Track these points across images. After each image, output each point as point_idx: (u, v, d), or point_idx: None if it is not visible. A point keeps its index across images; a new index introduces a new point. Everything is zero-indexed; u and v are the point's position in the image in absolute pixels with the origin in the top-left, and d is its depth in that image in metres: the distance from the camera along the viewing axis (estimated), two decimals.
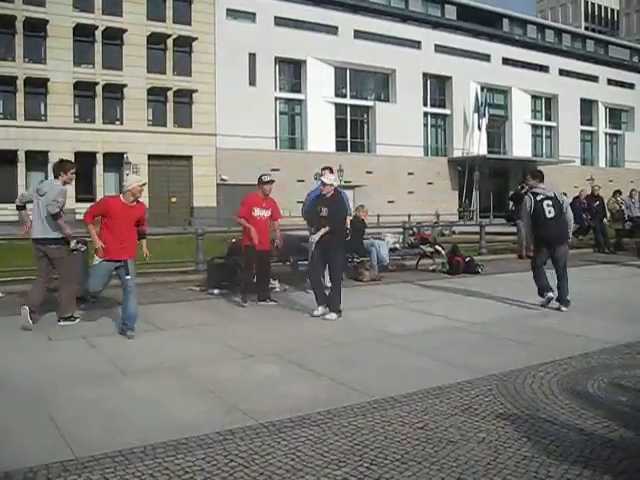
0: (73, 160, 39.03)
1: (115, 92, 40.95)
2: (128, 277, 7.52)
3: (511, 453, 4.03)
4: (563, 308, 9.02)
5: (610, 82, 66.83)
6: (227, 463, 3.86)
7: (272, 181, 9.79)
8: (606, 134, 67.85)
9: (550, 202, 9.11)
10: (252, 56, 45.54)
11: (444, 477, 3.69)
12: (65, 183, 8.38)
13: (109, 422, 4.54)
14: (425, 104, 54.64)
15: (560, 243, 9.22)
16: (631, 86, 68.79)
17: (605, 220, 18.31)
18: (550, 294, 9.15)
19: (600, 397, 5.16)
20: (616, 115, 68.92)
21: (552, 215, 9.05)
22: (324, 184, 8.76)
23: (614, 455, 3.99)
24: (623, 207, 18.47)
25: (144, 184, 7.73)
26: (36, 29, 38.63)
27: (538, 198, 9.17)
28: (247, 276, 9.69)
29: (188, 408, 4.88)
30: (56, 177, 8.40)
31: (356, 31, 50.28)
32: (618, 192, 19.13)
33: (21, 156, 38.43)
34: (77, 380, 5.59)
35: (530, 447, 4.12)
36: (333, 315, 8.38)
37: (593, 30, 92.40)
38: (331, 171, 9.79)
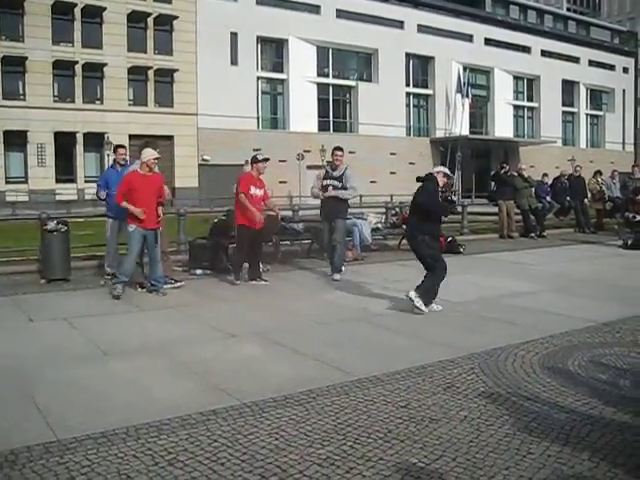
0: (52, 141, 38.65)
1: (95, 71, 40.40)
2: (156, 245, 8.64)
3: (493, 431, 4.07)
4: (336, 276, 9.89)
5: (591, 63, 66.94)
6: (210, 443, 3.86)
7: (267, 159, 9.85)
8: (587, 115, 68.12)
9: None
10: (234, 35, 45.06)
11: (426, 455, 3.72)
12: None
13: (91, 403, 4.52)
14: (407, 84, 54.42)
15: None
16: (612, 68, 69.02)
17: (586, 200, 18.42)
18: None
19: (581, 375, 5.22)
20: (597, 96, 69.19)
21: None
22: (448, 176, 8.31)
23: (594, 432, 4.04)
24: (604, 187, 18.59)
25: (158, 157, 8.76)
26: (13, 7, 37.90)
27: None
28: (240, 256, 9.72)
29: (171, 389, 4.88)
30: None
31: (338, 10, 49.83)
32: (599, 172, 19.23)
33: None
34: (59, 361, 5.56)
35: (511, 425, 4.16)
36: None
37: (575, 11, 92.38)
38: None
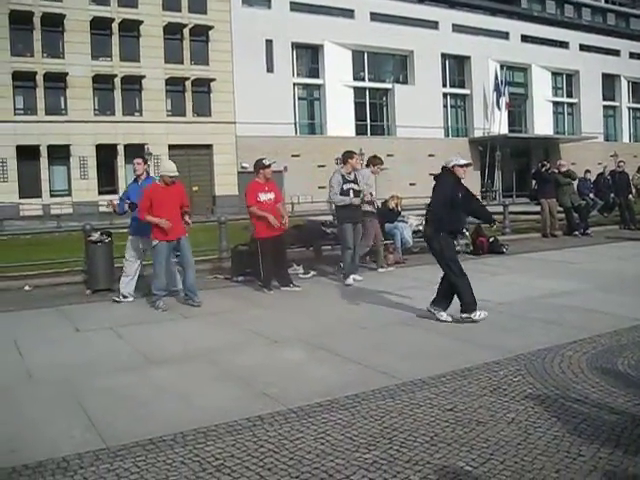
0: (94, 153, 39.36)
1: (134, 84, 41.04)
2: (179, 253, 8.64)
3: (541, 433, 4.00)
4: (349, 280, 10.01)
5: (632, 55, 65.60)
6: (257, 449, 3.87)
7: (270, 164, 9.72)
8: (629, 109, 66.66)
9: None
10: (269, 42, 45.31)
11: (474, 458, 3.68)
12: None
13: (138, 411, 4.58)
14: (444, 85, 54.03)
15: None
16: None
17: (630, 196, 18.03)
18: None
19: (630, 375, 5.11)
20: (639, 89, 67.78)
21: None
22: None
23: None
24: None
25: (175, 176, 8.54)
26: (53, 24, 38.73)
27: None
28: (267, 267, 9.57)
29: (216, 395, 4.91)
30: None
31: (372, 13, 49.77)
32: None
33: (43, 151, 38.69)
34: (106, 370, 5.65)
35: (560, 427, 4.09)
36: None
37: (613, 3, 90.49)
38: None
